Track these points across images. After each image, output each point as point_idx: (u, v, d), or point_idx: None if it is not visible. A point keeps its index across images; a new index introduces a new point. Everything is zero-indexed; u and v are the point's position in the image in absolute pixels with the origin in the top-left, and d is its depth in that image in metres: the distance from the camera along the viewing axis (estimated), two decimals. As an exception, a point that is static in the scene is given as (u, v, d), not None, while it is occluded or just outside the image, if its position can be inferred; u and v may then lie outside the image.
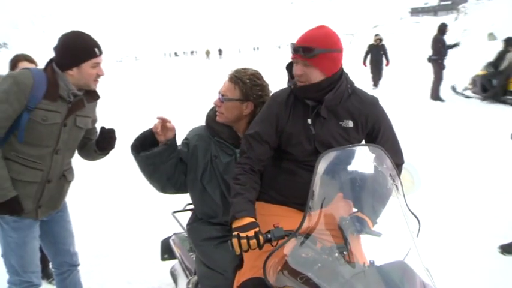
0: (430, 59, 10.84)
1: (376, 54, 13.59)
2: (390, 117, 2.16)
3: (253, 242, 1.74)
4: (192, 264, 2.67)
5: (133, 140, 2.32)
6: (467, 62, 14.10)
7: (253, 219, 1.85)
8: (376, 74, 13.74)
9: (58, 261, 2.65)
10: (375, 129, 2.10)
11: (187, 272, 2.76)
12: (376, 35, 14.42)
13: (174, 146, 2.34)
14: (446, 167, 5.71)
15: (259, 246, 1.75)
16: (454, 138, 7.14)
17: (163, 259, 3.18)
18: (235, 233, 1.78)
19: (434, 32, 11.15)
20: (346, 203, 1.98)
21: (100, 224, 4.57)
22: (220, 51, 62.75)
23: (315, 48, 1.91)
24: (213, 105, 2.42)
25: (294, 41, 2.01)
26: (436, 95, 10.78)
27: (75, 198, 3.07)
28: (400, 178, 1.87)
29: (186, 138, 2.43)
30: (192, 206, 2.69)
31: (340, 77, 2.02)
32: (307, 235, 1.76)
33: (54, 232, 2.57)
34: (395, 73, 15.25)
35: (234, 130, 2.38)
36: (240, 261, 2.16)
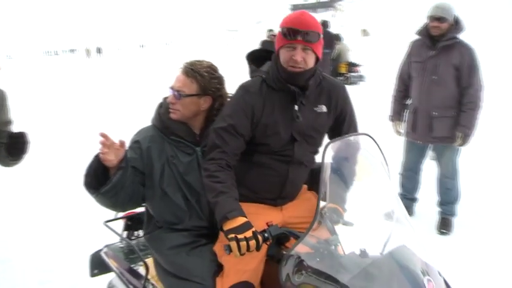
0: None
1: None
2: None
3: (252, 243, 1.69)
4: (136, 276, 2.53)
5: (84, 178, 2.02)
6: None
7: (246, 219, 1.78)
8: None
9: None
10: (342, 113, 2.15)
11: (131, 286, 2.54)
12: (270, 30, 12.72)
13: (128, 164, 2.09)
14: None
15: (258, 247, 1.71)
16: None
17: (92, 275, 2.84)
18: (232, 235, 1.70)
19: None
20: (313, 194, 2.26)
21: (15, 248, 4.24)
22: (99, 49, 60.37)
23: (317, 32, 1.91)
24: (160, 102, 2.30)
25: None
26: None
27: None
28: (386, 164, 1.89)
29: (135, 142, 2.20)
30: (122, 214, 2.68)
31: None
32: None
33: None
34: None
35: (189, 127, 2.22)
36: (218, 267, 2.03)
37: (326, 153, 1.73)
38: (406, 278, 1.55)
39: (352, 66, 14.15)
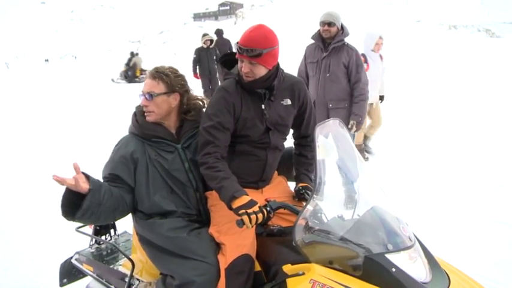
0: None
1: (208, 60, 10.65)
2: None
3: (260, 215, 1.99)
4: (118, 275, 2.61)
5: (61, 208, 2.14)
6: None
7: (250, 197, 2.09)
8: (208, 88, 10.58)
9: None
10: (304, 103, 2.50)
11: (113, 286, 2.65)
12: (205, 34, 11.15)
13: (96, 182, 2.21)
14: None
15: (264, 220, 2.03)
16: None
17: (62, 284, 2.91)
18: (243, 210, 2.00)
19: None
20: (283, 178, 2.64)
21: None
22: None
23: (258, 49, 2.18)
24: (134, 112, 2.47)
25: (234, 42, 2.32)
26: None
27: None
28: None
29: (122, 157, 2.35)
30: None
31: (278, 65, 2.35)
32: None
33: None
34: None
35: (166, 127, 2.43)
36: (217, 245, 2.24)
37: (316, 136, 2.06)
38: (386, 227, 1.90)
39: None
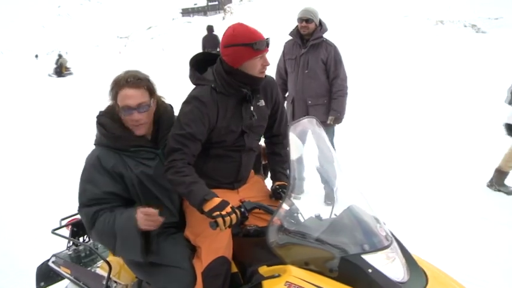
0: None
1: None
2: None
3: (233, 216, 1.96)
4: (95, 278, 2.58)
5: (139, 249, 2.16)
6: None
7: (221, 198, 2.04)
8: None
9: None
10: (276, 103, 2.47)
11: None
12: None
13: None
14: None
15: (238, 220, 1.99)
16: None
17: (39, 287, 2.86)
18: (216, 212, 1.96)
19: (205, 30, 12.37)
20: (260, 177, 2.65)
21: None
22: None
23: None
24: (100, 124, 2.28)
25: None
26: None
27: None
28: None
29: (105, 172, 2.19)
30: (67, 221, 2.77)
31: None
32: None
33: None
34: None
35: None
36: (192, 250, 2.21)
37: (290, 135, 2.02)
38: (363, 227, 1.91)
39: None
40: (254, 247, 2.16)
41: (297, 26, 4.76)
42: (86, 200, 2.21)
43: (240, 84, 2.24)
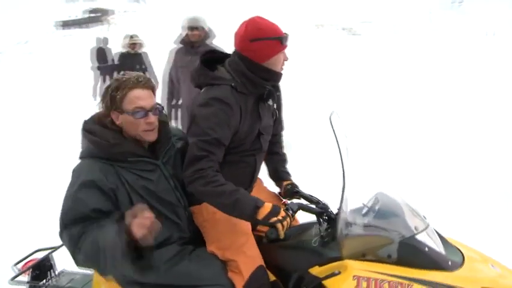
0: (99, 67, 11.89)
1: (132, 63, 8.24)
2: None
3: (288, 220, 1.85)
4: None
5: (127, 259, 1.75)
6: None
7: (271, 203, 1.92)
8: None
9: None
10: (279, 102, 2.37)
11: None
12: (132, 36, 8.77)
13: None
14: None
15: (290, 223, 1.88)
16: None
17: None
18: (273, 219, 1.83)
19: (89, 43, 12.13)
20: (258, 179, 2.41)
21: None
22: None
23: None
24: (91, 132, 1.95)
25: None
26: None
27: None
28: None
29: (95, 188, 1.84)
30: (21, 266, 2.49)
31: None
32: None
33: None
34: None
35: (139, 141, 1.99)
36: (223, 263, 2.00)
37: (333, 124, 1.91)
38: (405, 210, 1.95)
39: None
40: (289, 251, 2.05)
41: (186, 33, 4.77)
42: (70, 220, 1.84)
43: (263, 82, 2.10)
